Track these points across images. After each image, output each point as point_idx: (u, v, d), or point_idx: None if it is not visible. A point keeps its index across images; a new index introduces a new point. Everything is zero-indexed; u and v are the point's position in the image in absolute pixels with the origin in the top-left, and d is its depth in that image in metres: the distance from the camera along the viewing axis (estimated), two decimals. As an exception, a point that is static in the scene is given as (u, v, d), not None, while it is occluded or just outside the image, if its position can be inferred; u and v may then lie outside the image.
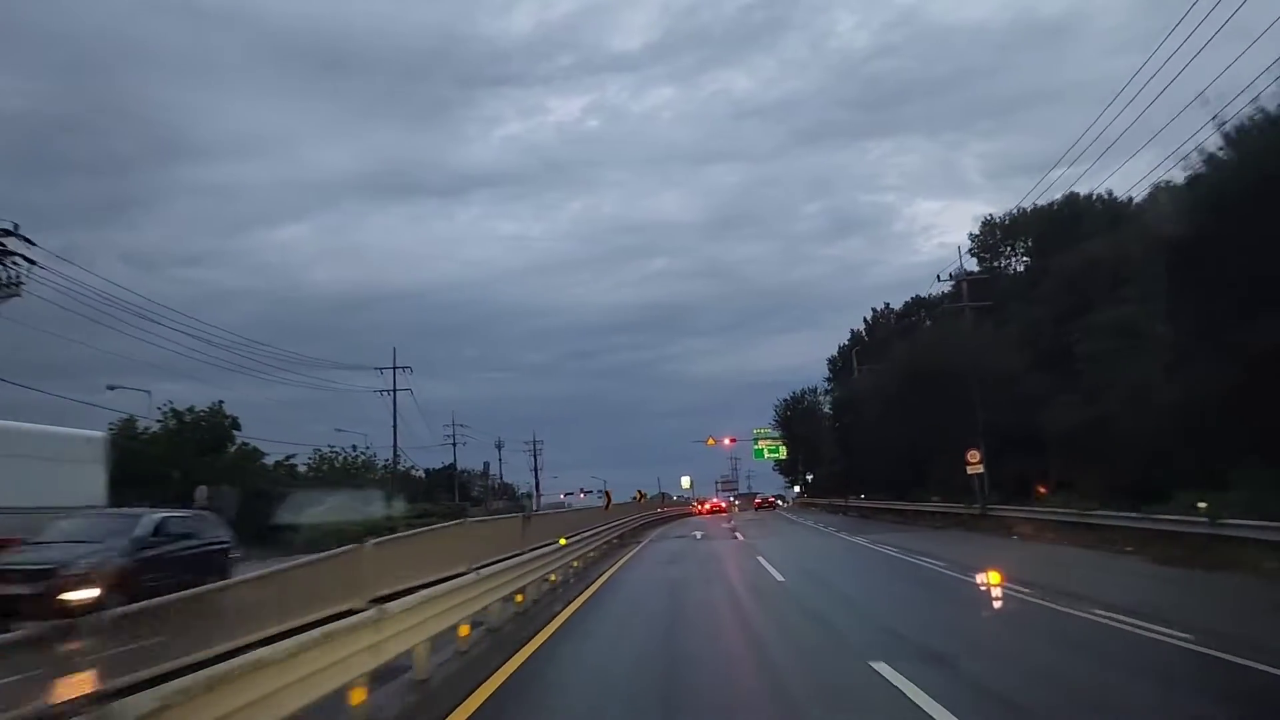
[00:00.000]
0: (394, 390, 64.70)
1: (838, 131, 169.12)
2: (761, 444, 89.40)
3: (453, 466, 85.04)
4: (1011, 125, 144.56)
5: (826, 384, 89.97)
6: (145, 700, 3.67)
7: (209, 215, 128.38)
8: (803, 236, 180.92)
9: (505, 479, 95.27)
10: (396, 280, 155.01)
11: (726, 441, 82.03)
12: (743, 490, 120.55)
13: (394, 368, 64.82)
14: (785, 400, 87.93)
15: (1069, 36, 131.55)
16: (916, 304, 79.46)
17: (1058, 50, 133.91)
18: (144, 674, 4.96)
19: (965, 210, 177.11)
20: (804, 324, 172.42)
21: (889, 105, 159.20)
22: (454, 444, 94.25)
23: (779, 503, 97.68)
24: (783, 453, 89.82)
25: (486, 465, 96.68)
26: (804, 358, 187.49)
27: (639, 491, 39.59)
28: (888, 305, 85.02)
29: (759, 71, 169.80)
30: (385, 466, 64.85)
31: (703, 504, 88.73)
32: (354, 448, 61.85)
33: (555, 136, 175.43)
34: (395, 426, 64.07)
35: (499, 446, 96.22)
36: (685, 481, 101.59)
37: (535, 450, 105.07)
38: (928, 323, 73.11)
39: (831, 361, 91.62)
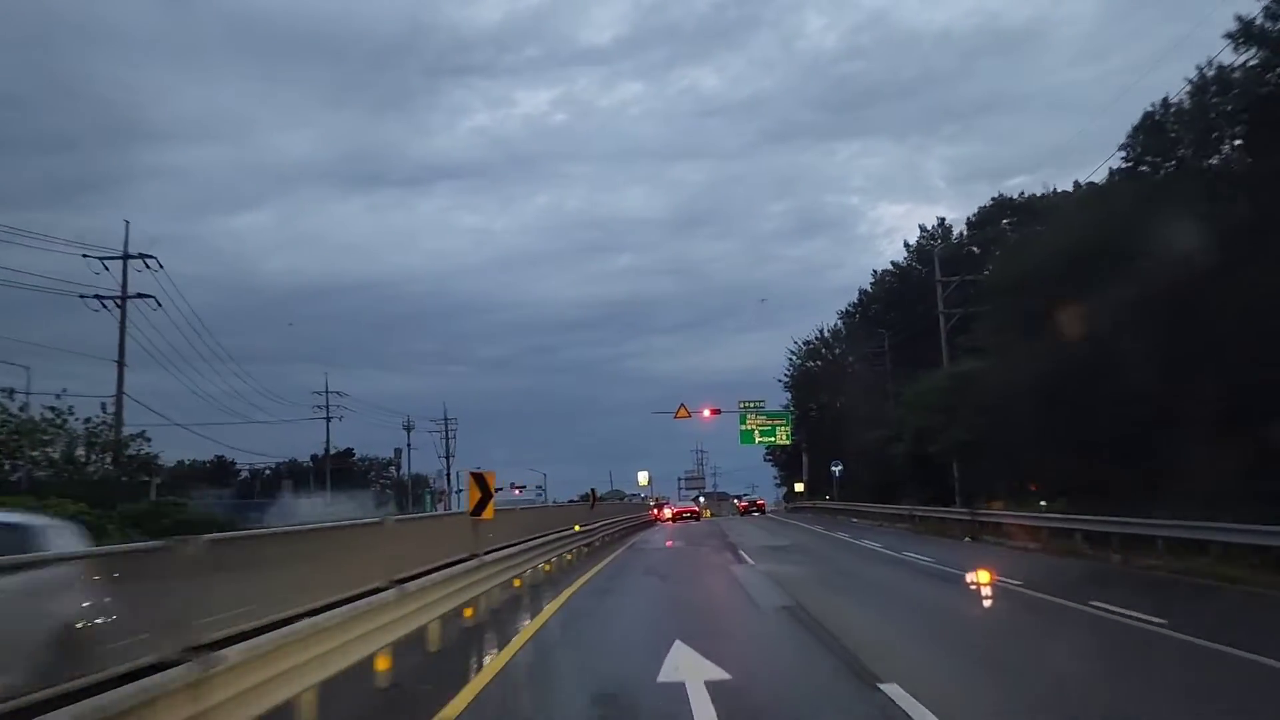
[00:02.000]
0: (123, 298, 36.81)
1: (805, 132, 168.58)
2: (751, 423, 61.92)
3: (345, 450, 72.91)
4: (974, 131, 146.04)
5: (833, 340, 62.84)
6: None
7: (163, 199, 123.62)
8: (767, 236, 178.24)
9: (421, 469, 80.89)
10: (355, 271, 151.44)
11: (706, 413, 54.53)
12: (709, 489, 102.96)
13: (124, 257, 37.07)
14: (806, 345, 59.83)
15: (1032, 45, 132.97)
16: (1000, 206, 52.70)
17: (1021, 58, 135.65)
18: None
19: (928, 214, 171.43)
20: (765, 324, 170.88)
21: (856, 107, 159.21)
22: (327, 419, 69.99)
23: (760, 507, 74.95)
24: (782, 436, 62.31)
25: (398, 452, 79.08)
26: (763, 358, 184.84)
27: (473, 477, 11.41)
28: (942, 220, 58.28)
29: (728, 69, 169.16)
30: (92, 430, 36.02)
31: (661, 509, 63.42)
32: (9, 393, 33.09)
33: (522, 129, 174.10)
34: (121, 359, 36.31)
35: (408, 429, 77.14)
36: (643, 477, 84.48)
37: (446, 433, 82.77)
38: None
39: (848, 314, 64.55)
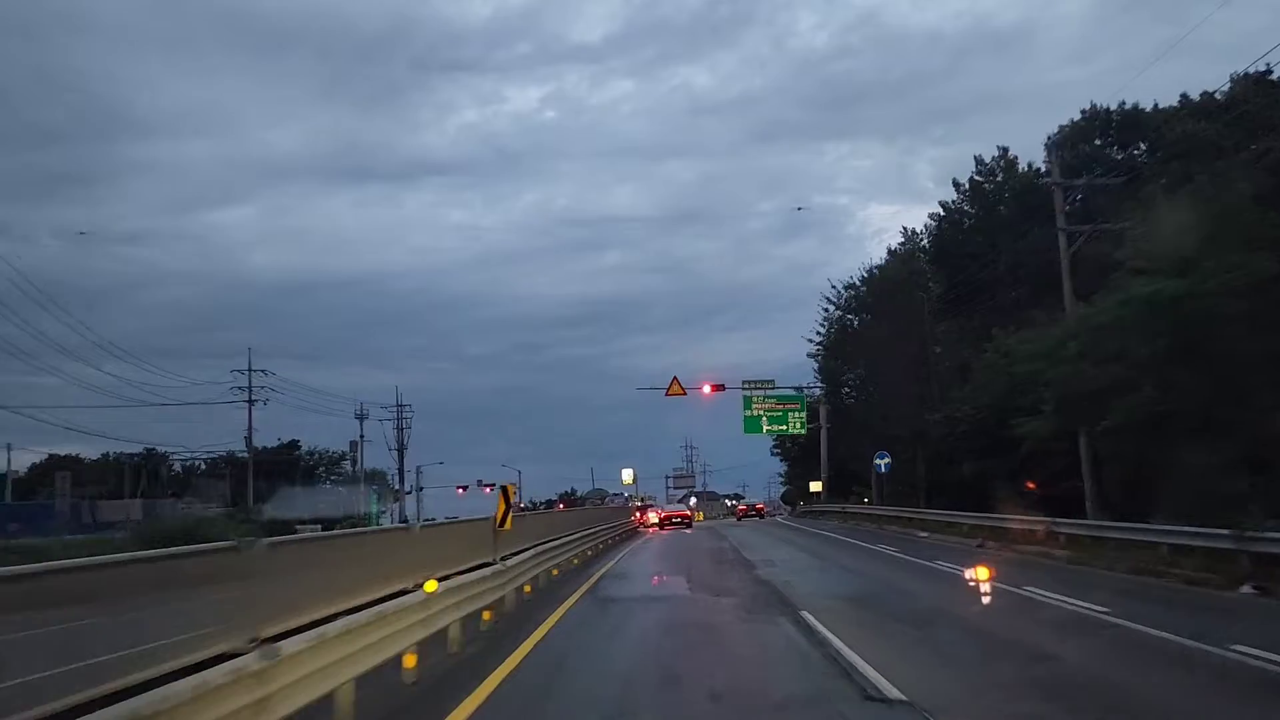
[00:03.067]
0: None
1: (795, 131, 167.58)
2: (758, 408, 49.64)
3: (289, 442, 69.06)
4: (963, 132, 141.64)
5: (870, 299, 50.13)
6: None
7: (149, 193, 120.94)
8: (756, 235, 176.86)
9: (381, 465, 72.53)
10: (341, 266, 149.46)
11: (706, 389, 42.11)
12: (699, 488, 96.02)
13: None
14: (847, 290, 46.73)
15: (1022, 45, 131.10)
16: (1092, 121, 39.99)
17: (1011, 59, 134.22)
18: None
19: (917, 216, 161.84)
20: (752, 323, 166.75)
21: (846, 106, 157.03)
22: (250, 401, 59.51)
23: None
24: (794, 423, 49.98)
25: (353, 444, 70.74)
26: (750, 357, 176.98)
27: None
28: (1005, 150, 45.70)
29: (719, 67, 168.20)
30: None
31: (645, 513, 51.94)
32: None
33: (511, 126, 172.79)
34: None
35: (361, 418, 67.96)
36: (627, 475, 76.49)
37: (400, 422, 72.75)
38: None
39: (870, 279, 51.82)
